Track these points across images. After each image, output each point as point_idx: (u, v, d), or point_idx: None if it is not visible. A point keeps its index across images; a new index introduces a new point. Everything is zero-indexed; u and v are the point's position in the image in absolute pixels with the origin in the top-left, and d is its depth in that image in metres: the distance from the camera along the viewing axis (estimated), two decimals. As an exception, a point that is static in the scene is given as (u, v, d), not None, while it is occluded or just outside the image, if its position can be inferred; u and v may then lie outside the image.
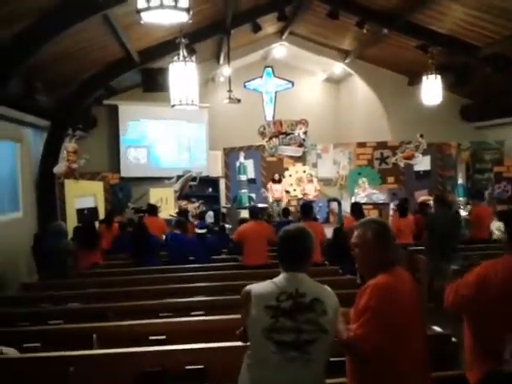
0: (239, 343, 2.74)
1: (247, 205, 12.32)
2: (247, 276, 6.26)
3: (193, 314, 5.03)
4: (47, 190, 10.14)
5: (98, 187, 12.32)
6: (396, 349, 2.52)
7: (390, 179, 13.70)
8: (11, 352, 3.77)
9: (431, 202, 9.59)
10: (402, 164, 13.33)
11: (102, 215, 11.43)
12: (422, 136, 12.89)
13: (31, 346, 4.09)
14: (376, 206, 13.00)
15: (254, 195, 13.48)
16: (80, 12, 6.89)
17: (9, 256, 8.40)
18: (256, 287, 2.59)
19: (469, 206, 10.91)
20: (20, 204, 9.35)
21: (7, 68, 6.77)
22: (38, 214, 9.93)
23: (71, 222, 10.45)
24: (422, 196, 12.29)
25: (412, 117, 13.04)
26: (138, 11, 4.75)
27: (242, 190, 13.39)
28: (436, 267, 7.07)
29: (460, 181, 13.33)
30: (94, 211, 11.72)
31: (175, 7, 4.65)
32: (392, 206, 12.38)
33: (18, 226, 8.96)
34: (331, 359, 2.63)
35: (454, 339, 3.85)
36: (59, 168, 9.89)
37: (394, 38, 11.26)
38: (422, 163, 13.50)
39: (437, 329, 4.05)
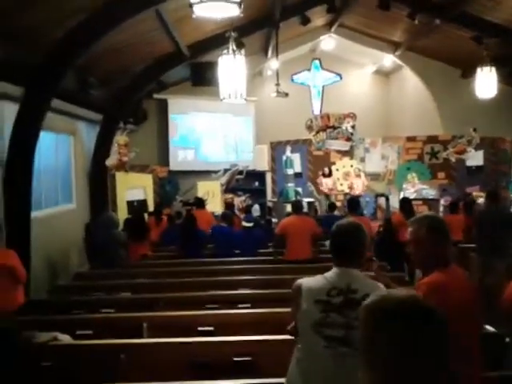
0: (287, 336, 2.75)
1: (293, 199, 12.28)
2: (292, 270, 6.26)
3: (240, 306, 5.07)
4: (99, 182, 10.39)
5: (147, 180, 12.57)
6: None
7: (441, 174, 13.36)
8: (65, 338, 3.90)
9: (479, 199, 9.31)
10: (453, 159, 12.94)
11: (151, 207, 11.65)
12: (474, 130, 12.48)
13: (84, 333, 4.23)
14: (425, 201, 12.72)
15: (300, 189, 13.43)
16: (133, 7, 6.99)
17: (62, 246, 8.68)
18: (306, 281, 2.58)
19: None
20: (73, 195, 9.64)
21: (62, 63, 6.94)
22: (90, 205, 10.19)
23: (122, 213, 10.68)
24: (474, 192, 11.95)
25: (464, 110, 12.66)
26: (191, 5, 4.76)
27: (289, 184, 13.36)
28: (485, 264, 6.88)
29: (514, 177, 12.89)
30: (143, 203, 11.97)
31: (227, 0, 4.65)
32: (442, 201, 12.09)
33: (71, 217, 9.23)
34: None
35: (507, 339, 3.72)
36: (111, 160, 10.08)
37: (446, 29, 10.92)
38: (475, 158, 13.08)
39: (489, 328, 3.93)
